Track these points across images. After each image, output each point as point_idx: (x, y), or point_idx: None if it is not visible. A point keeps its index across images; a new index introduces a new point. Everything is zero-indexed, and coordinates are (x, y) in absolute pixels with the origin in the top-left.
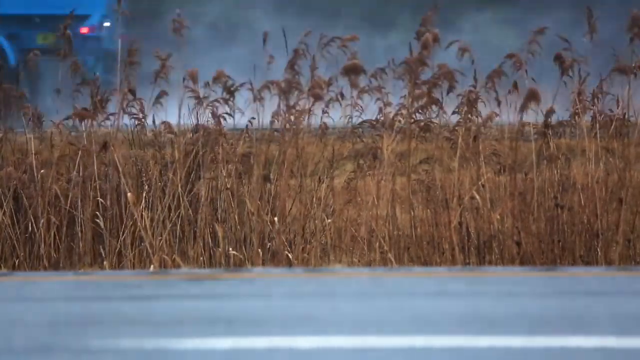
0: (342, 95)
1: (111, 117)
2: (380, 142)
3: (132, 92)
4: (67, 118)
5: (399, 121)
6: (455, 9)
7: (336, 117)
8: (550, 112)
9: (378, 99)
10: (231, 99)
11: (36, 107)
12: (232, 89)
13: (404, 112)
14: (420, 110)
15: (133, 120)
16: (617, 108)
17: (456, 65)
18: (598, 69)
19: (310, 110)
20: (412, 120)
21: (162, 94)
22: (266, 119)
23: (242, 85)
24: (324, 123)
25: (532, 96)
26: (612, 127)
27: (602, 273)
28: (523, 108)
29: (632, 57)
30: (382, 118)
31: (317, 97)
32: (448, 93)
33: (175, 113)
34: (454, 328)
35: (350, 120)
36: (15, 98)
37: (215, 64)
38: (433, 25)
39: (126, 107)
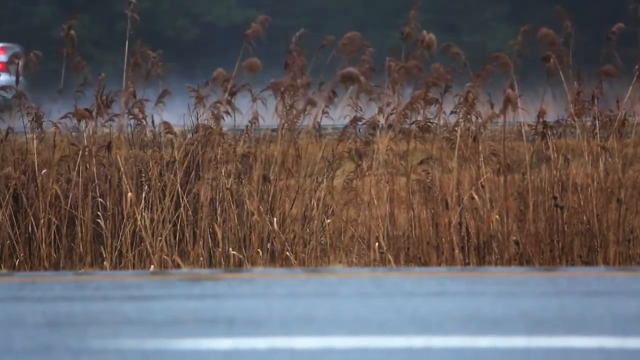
0: (334, 93)
1: (115, 118)
2: (373, 141)
3: (134, 93)
4: (64, 117)
5: (387, 121)
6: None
7: (334, 116)
8: (542, 114)
9: (370, 99)
10: (232, 99)
11: (37, 107)
12: (233, 89)
13: (397, 111)
14: (410, 109)
15: (133, 120)
16: (618, 109)
17: (446, 63)
18: (590, 69)
19: (306, 110)
20: (410, 120)
21: (165, 93)
22: (266, 120)
23: (243, 86)
24: (317, 122)
25: (508, 100)
26: (613, 127)
27: (601, 273)
28: (502, 113)
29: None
30: (375, 118)
31: (312, 103)
32: (444, 93)
33: (176, 113)
34: (453, 328)
35: (349, 121)
36: (15, 98)
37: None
38: (417, 24)
39: (131, 108)
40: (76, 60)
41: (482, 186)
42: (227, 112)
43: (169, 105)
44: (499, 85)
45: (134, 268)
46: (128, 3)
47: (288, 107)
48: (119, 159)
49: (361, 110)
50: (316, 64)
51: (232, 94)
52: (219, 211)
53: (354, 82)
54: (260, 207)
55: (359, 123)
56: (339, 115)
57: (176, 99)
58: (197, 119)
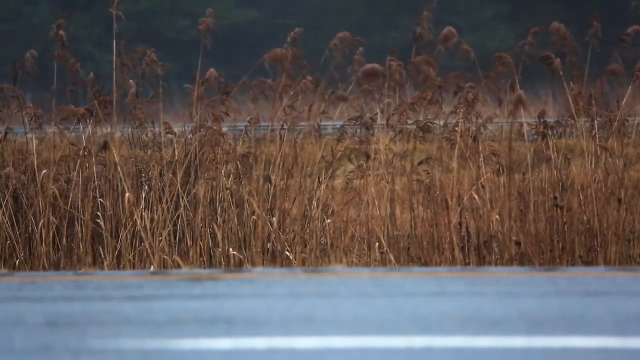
0: (341, 97)
1: (105, 118)
2: (372, 141)
3: (136, 93)
4: (64, 118)
5: (388, 120)
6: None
7: (335, 116)
8: (543, 114)
9: (372, 99)
10: (228, 99)
11: (36, 107)
12: (227, 89)
13: (397, 111)
14: (410, 109)
15: (133, 120)
16: (617, 109)
17: (450, 62)
18: (594, 69)
19: (309, 109)
20: (410, 120)
21: (157, 94)
22: (265, 119)
23: (240, 85)
24: (317, 123)
25: (519, 101)
26: (613, 127)
27: (602, 273)
28: (512, 113)
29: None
30: (368, 118)
31: (342, 98)
32: (455, 94)
33: (175, 113)
34: (454, 328)
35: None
36: (13, 98)
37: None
38: (429, 24)
39: (133, 109)
40: (71, 61)
41: (482, 186)
42: (226, 113)
43: (168, 105)
44: (499, 85)
45: (134, 268)
46: (111, 2)
47: (286, 107)
48: (117, 159)
49: (362, 109)
50: (313, 64)
51: (225, 93)
52: (219, 211)
53: (378, 78)
54: (260, 207)
55: (357, 123)
56: (339, 116)
57: (176, 99)
58: (198, 118)
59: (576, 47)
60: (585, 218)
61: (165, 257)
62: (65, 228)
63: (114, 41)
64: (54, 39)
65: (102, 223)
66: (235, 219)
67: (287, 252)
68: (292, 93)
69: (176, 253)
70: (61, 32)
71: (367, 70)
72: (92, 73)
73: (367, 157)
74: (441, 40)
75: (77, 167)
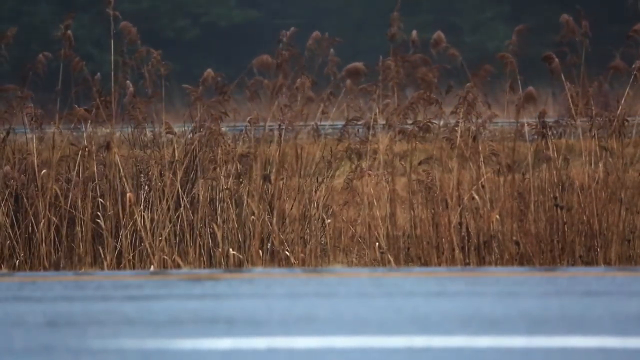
0: (332, 94)
1: (110, 118)
2: (373, 142)
3: (134, 93)
4: (65, 117)
5: (387, 121)
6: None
7: (333, 115)
8: (543, 114)
9: (371, 99)
10: (226, 98)
11: (37, 107)
12: (224, 88)
13: (396, 111)
14: (410, 109)
15: (131, 120)
16: (618, 109)
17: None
18: (594, 69)
19: (303, 110)
20: (410, 120)
21: (155, 94)
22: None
23: (235, 84)
24: (316, 123)
25: (529, 97)
26: (612, 127)
27: (602, 273)
28: (520, 109)
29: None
30: (368, 118)
31: (311, 100)
32: (447, 92)
33: (176, 113)
34: (454, 328)
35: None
36: (20, 99)
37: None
38: (400, 24)
39: (132, 109)
40: (75, 60)
41: (482, 186)
42: (225, 113)
43: (168, 105)
44: (499, 85)
45: (134, 268)
46: (107, 2)
47: (283, 107)
48: (117, 159)
49: (360, 109)
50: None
51: (222, 93)
52: (218, 211)
53: (361, 77)
54: (260, 207)
55: (357, 123)
56: (337, 115)
57: (176, 100)
58: (198, 118)
59: (586, 42)
60: (585, 218)
61: (165, 257)
62: (65, 228)
63: (112, 41)
64: (60, 39)
65: (102, 223)
66: (235, 219)
67: (286, 252)
68: (288, 93)
69: (176, 253)
70: (69, 32)
71: (350, 69)
72: (99, 73)
73: (360, 157)
74: (432, 45)
75: (77, 167)
